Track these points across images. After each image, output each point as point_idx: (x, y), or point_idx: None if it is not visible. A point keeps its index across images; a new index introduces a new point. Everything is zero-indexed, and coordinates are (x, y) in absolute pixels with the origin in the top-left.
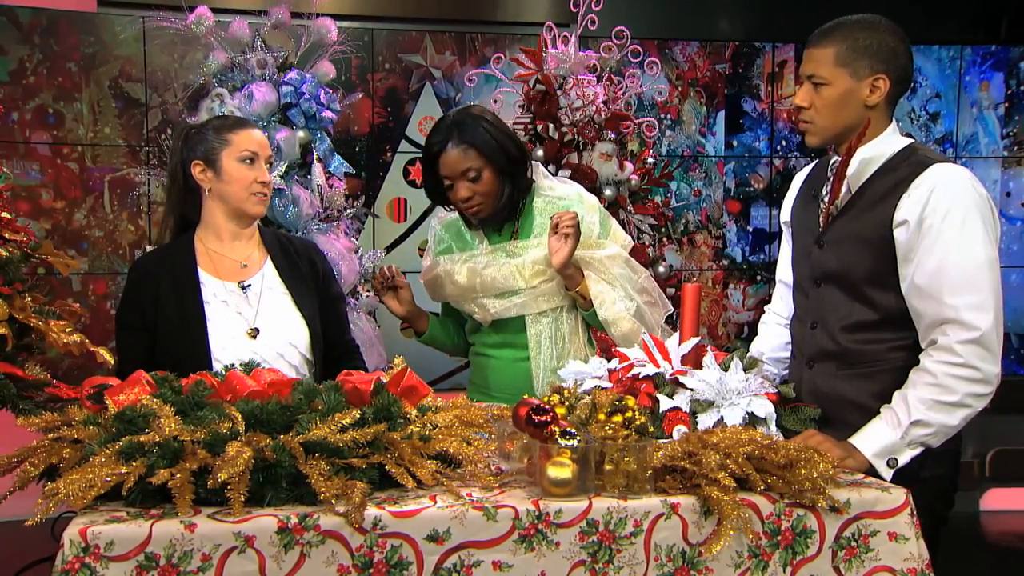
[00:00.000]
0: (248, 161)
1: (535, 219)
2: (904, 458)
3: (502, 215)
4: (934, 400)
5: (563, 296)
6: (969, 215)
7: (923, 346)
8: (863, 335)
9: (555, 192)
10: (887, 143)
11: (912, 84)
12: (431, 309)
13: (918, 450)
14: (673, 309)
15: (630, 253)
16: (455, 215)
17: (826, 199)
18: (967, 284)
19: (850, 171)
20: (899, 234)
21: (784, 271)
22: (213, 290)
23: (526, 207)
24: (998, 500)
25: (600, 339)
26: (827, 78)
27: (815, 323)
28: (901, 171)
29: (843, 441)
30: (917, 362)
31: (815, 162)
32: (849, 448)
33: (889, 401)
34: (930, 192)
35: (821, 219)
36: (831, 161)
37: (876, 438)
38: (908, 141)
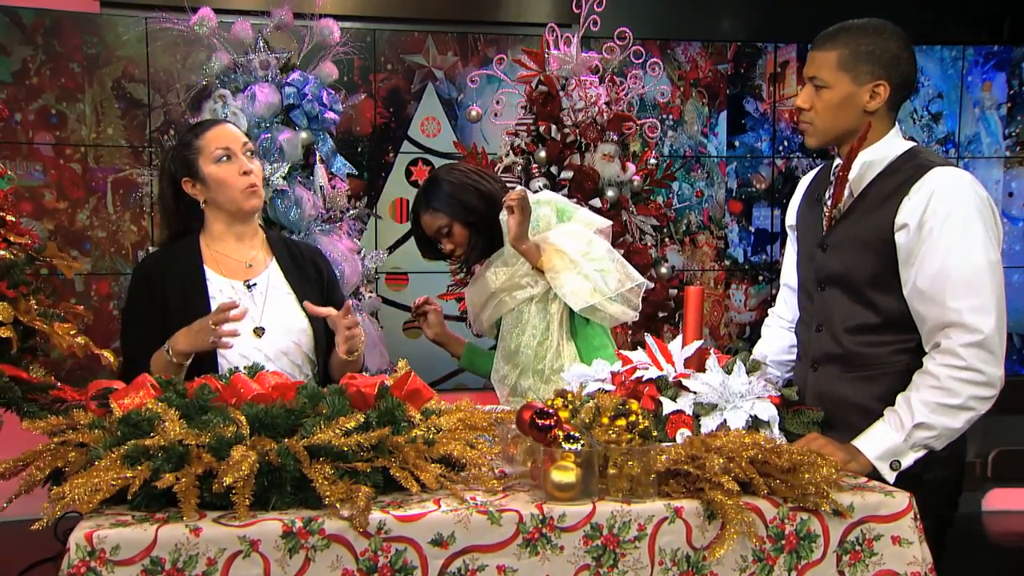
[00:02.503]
0: (224, 159)
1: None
2: (907, 461)
3: (482, 254)
4: (937, 403)
5: (525, 289)
6: (970, 218)
7: (926, 349)
8: (866, 337)
9: None
10: (889, 146)
11: (915, 86)
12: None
13: (921, 452)
14: (652, 285)
15: (631, 250)
16: None
17: (829, 203)
18: (968, 287)
19: (852, 175)
20: (900, 237)
21: (788, 275)
22: (219, 287)
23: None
24: (1000, 500)
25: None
26: (828, 81)
27: (820, 326)
28: (902, 174)
29: (846, 444)
30: (920, 365)
31: (820, 166)
32: (852, 451)
33: (891, 403)
34: (930, 195)
35: (824, 222)
36: (834, 165)
37: (879, 441)
38: (910, 144)
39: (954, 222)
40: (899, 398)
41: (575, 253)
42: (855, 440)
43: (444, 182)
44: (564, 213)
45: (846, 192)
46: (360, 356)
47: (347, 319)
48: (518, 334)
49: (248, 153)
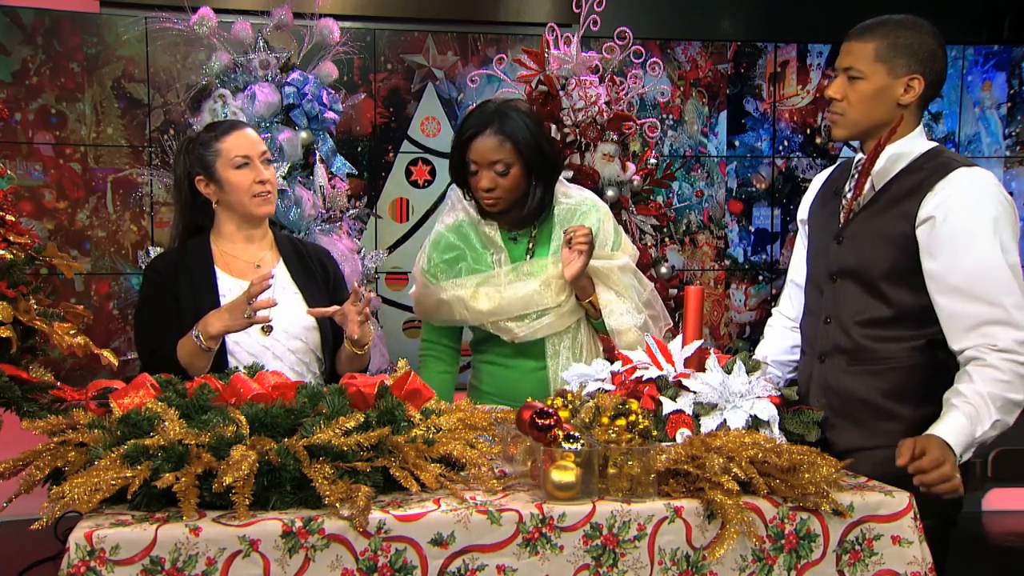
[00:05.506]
0: (243, 166)
1: (554, 229)
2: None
3: (520, 215)
4: (1006, 399)
5: (577, 310)
6: (1000, 217)
7: (955, 347)
8: (877, 331)
9: (571, 199)
10: (914, 143)
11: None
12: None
13: (971, 452)
14: (672, 323)
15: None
16: (463, 219)
17: (848, 195)
18: (1009, 285)
19: (877, 167)
20: (922, 232)
21: (796, 271)
22: (229, 285)
23: (547, 215)
24: (1000, 500)
25: (603, 339)
26: (864, 72)
27: (829, 318)
28: (926, 171)
29: (938, 439)
30: (927, 361)
31: (838, 163)
32: (945, 450)
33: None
34: (957, 193)
35: (842, 215)
36: (856, 159)
37: (958, 435)
38: (933, 144)
39: (984, 221)
40: (968, 393)
41: (632, 298)
42: (942, 434)
43: (525, 116)
44: (618, 233)
45: (867, 185)
46: (368, 351)
47: (357, 304)
48: (565, 347)
49: (265, 161)
